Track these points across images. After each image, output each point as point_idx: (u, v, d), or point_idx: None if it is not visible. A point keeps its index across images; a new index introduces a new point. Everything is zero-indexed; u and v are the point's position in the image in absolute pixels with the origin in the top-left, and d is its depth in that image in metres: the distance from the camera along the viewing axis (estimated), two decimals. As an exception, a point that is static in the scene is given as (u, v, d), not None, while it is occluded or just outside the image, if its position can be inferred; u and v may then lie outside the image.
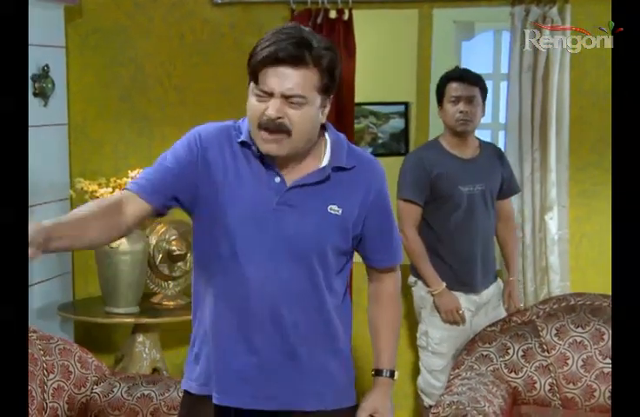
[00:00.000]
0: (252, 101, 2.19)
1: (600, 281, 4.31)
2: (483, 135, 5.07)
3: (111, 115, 4.78)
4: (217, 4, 4.57)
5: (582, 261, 4.33)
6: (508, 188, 3.95)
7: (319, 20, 4.37)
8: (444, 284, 3.82)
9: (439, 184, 3.82)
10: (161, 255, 4.37)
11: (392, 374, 2.44)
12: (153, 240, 4.35)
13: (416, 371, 4.20)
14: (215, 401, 2.32)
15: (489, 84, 4.94)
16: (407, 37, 4.62)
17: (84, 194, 4.27)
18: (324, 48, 2.17)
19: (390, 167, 5.00)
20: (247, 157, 2.24)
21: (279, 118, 2.15)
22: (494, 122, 5.12)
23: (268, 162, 2.23)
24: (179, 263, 4.42)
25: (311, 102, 2.17)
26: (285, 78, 2.14)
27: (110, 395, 3.39)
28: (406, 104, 5.20)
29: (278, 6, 4.50)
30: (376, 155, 5.03)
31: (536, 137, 4.21)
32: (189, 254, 4.42)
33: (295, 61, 2.13)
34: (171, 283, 4.47)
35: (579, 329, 3.74)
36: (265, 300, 2.23)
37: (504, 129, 4.37)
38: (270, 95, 2.15)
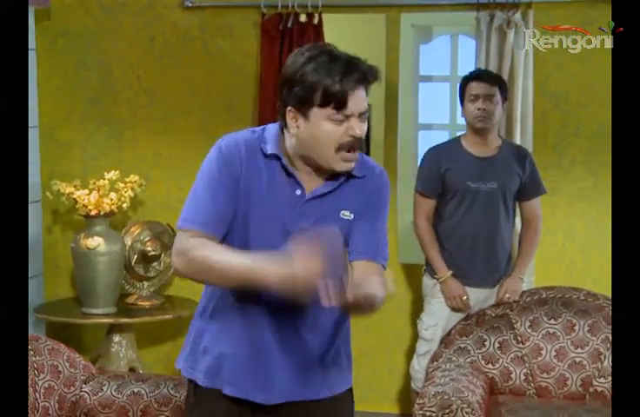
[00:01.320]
0: (328, 127, 2.21)
1: (563, 276, 4.51)
2: (442, 135, 5.22)
3: (81, 118, 4.81)
4: (188, 8, 4.64)
5: (545, 257, 4.48)
6: (529, 189, 4.03)
7: (289, 24, 4.46)
8: (450, 272, 3.96)
9: (448, 179, 3.97)
10: (136, 256, 4.42)
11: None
12: (128, 241, 4.39)
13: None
14: (226, 392, 2.39)
15: (446, 86, 5.12)
16: (371, 41, 4.73)
17: (60, 196, 4.29)
18: (363, 62, 2.27)
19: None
20: (273, 169, 2.31)
21: (363, 134, 2.26)
22: (452, 123, 5.25)
23: (292, 174, 2.30)
24: (154, 264, 4.47)
25: None
26: (362, 98, 2.23)
27: (100, 394, 3.40)
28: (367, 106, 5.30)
29: (249, 10, 4.58)
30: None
31: (502, 137, 4.36)
32: (163, 255, 4.48)
33: (364, 82, 2.22)
34: (146, 283, 4.52)
35: (551, 321, 3.90)
36: (279, 303, 2.27)
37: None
38: (348, 117, 2.22)
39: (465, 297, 3.96)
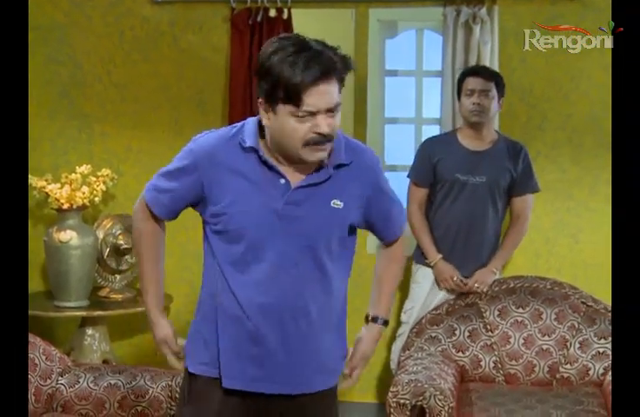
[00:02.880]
0: (292, 123, 2.20)
1: (528, 266, 4.59)
2: (407, 129, 5.29)
3: (51, 112, 4.80)
4: (157, 2, 4.66)
5: (512, 247, 4.57)
6: (519, 185, 4.10)
7: (259, 18, 4.50)
8: (440, 256, 4.06)
9: (438, 169, 4.09)
10: (108, 249, 4.43)
11: (386, 323, 2.64)
12: (100, 234, 4.41)
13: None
14: (224, 385, 2.41)
15: (411, 81, 5.18)
16: (340, 36, 4.77)
17: (32, 190, 4.30)
18: (335, 52, 2.23)
19: (319, 161, 5.19)
20: (253, 162, 2.33)
21: (331, 131, 2.23)
22: (417, 117, 5.32)
23: (272, 165, 2.32)
24: (126, 257, 4.49)
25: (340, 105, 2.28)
26: (326, 94, 2.18)
27: (77, 386, 3.44)
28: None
29: (218, 5, 4.61)
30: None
31: (469, 131, 4.44)
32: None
33: (329, 75, 2.19)
34: (118, 276, 4.54)
35: (520, 310, 3.99)
36: (279, 291, 2.35)
37: (439, 123, 4.59)
38: (314, 113, 2.19)
39: (456, 277, 4.04)
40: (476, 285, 4.01)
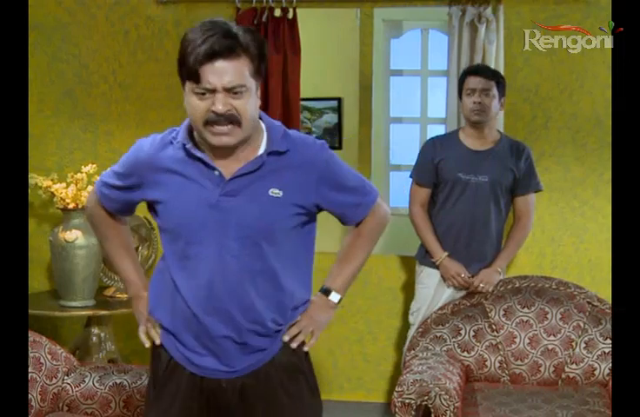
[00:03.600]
0: (194, 100, 2.23)
1: (533, 265, 4.61)
2: (412, 129, 5.30)
3: (55, 111, 4.81)
4: (162, 2, 4.66)
5: (515, 247, 4.58)
6: (522, 185, 4.11)
7: (264, 18, 4.50)
8: (446, 253, 4.06)
9: (440, 169, 4.09)
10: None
11: (336, 298, 2.57)
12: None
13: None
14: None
15: (416, 81, 5.19)
16: (345, 35, 4.78)
17: (37, 189, 4.31)
18: (248, 33, 2.24)
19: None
20: (186, 158, 2.34)
21: (228, 111, 2.23)
22: (422, 117, 5.33)
23: (201, 157, 2.32)
24: (131, 256, 4.49)
25: (250, 88, 2.26)
26: (224, 72, 2.19)
27: (82, 385, 3.44)
28: (339, 100, 5.36)
29: (223, 4, 4.62)
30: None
31: (474, 131, 4.44)
32: (140, 248, 4.51)
33: (228, 53, 2.20)
34: (123, 276, 4.54)
35: (525, 309, 3.99)
36: (222, 285, 2.35)
37: (444, 123, 4.59)
38: (213, 91, 2.20)
39: (463, 274, 4.04)
40: (481, 285, 4.01)
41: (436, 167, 4.10)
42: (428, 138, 4.32)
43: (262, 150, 2.34)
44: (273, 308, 2.41)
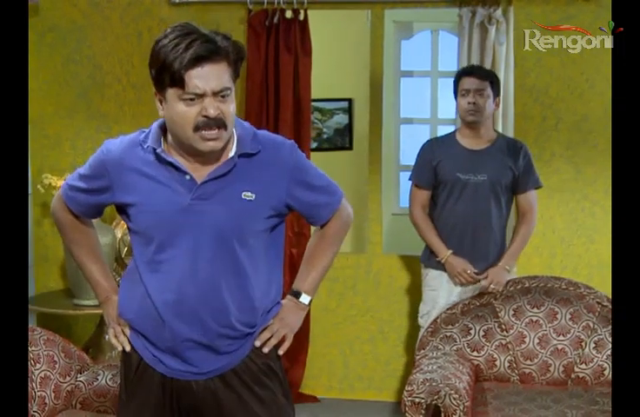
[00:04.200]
0: (180, 107, 2.20)
1: (543, 265, 4.62)
2: (422, 130, 5.32)
3: (70, 112, 4.85)
4: (174, 4, 4.70)
5: (527, 247, 4.56)
6: (521, 182, 4.12)
7: (275, 20, 4.53)
8: (450, 251, 4.08)
9: (439, 170, 4.11)
10: (126, 248, 4.47)
11: (306, 299, 2.54)
12: (118, 233, 4.45)
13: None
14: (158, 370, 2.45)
15: (426, 82, 5.22)
16: (356, 37, 4.81)
17: (52, 189, 4.35)
18: (225, 38, 2.24)
19: (335, 160, 5.23)
20: (155, 162, 2.32)
21: (218, 114, 2.22)
22: (432, 118, 5.35)
23: (173, 162, 2.31)
24: (140, 257, 4.53)
25: (232, 92, 2.27)
26: (211, 76, 2.18)
27: (95, 383, 3.48)
28: (350, 101, 5.39)
29: (235, 6, 4.65)
30: (321, 149, 5.25)
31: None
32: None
33: (213, 57, 2.18)
34: (136, 275, 4.58)
35: (534, 309, 4.00)
36: (194, 289, 2.34)
37: (454, 123, 4.61)
38: (201, 96, 2.19)
39: (469, 271, 4.06)
40: (492, 286, 4.02)
41: (435, 168, 4.13)
42: (426, 140, 4.33)
43: (232, 153, 2.33)
44: (244, 311, 2.41)
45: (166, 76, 2.18)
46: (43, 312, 4.54)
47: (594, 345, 3.92)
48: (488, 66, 4.42)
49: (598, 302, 3.98)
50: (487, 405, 3.64)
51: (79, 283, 4.32)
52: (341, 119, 5.45)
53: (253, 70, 4.58)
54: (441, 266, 4.13)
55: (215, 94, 2.20)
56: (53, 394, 3.38)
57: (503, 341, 3.97)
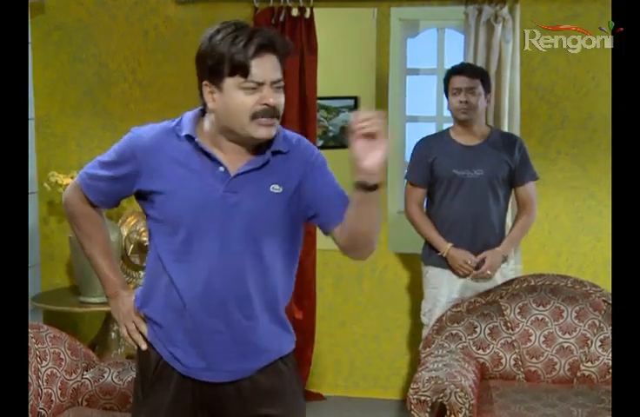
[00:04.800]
0: (239, 96, 2.26)
1: (549, 264, 4.62)
2: (428, 127, 5.31)
3: (76, 110, 4.86)
4: (180, 2, 4.70)
5: (532, 245, 4.60)
6: (518, 176, 4.13)
7: (281, 18, 4.53)
8: (450, 244, 4.07)
9: (435, 167, 4.12)
10: (132, 246, 4.49)
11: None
12: (124, 231, 4.47)
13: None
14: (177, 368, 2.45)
15: (432, 80, 5.21)
16: (362, 35, 4.81)
17: (58, 187, 4.36)
18: (275, 33, 2.33)
19: (340, 158, 5.18)
20: (190, 151, 2.36)
21: (276, 104, 2.29)
22: (438, 116, 5.34)
23: (210, 154, 2.35)
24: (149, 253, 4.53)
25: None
26: (271, 66, 2.28)
27: (101, 380, 3.48)
28: (355, 98, 5.39)
29: (241, 4, 4.64)
30: (327, 147, 5.25)
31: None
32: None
33: (272, 49, 2.28)
34: (142, 273, 4.58)
35: (540, 308, 4.00)
36: (220, 280, 2.35)
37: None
38: (260, 84, 2.26)
39: (470, 261, 4.06)
40: (488, 272, 4.03)
41: (431, 165, 4.13)
42: (419, 139, 4.33)
43: (265, 149, 2.38)
44: (267, 303, 2.43)
45: (226, 65, 2.25)
46: (49, 309, 4.56)
47: (600, 343, 3.92)
48: (494, 64, 4.43)
49: (604, 300, 3.98)
50: (492, 403, 3.64)
51: (85, 281, 4.34)
52: (347, 117, 5.44)
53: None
54: (441, 263, 4.12)
55: (272, 83, 2.28)
56: (59, 391, 3.40)
57: (509, 339, 3.97)
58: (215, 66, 2.27)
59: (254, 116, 2.27)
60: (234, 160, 2.36)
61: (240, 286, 2.37)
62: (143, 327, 2.49)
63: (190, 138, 2.35)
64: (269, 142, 2.38)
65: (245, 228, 2.35)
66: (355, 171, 2.23)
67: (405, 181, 4.26)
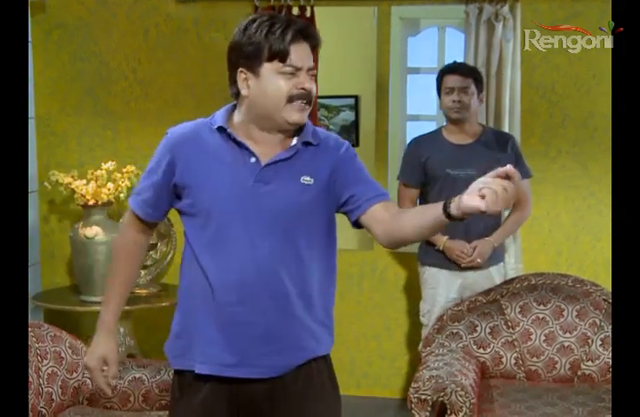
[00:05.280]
0: (278, 81, 2.32)
1: (550, 263, 4.62)
2: (429, 126, 5.30)
3: (76, 109, 4.86)
4: (181, 1, 4.70)
5: (533, 244, 4.60)
6: None
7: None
8: (446, 237, 4.06)
9: (428, 167, 4.11)
10: (133, 245, 4.48)
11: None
12: (125, 230, 4.46)
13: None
14: (197, 371, 2.42)
15: (433, 78, 5.19)
16: (363, 33, 4.81)
17: (58, 186, 4.36)
18: (310, 25, 2.42)
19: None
20: (223, 142, 2.40)
21: (311, 89, 2.35)
22: (439, 115, 5.33)
23: (243, 144, 2.38)
24: (150, 252, 4.54)
25: None
26: (308, 53, 2.35)
27: (102, 379, 3.49)
28: (356, 97, 5.39)
29: (242, 3, 4.65)
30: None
31: (490, 129, 4.46)
32: (159, 244, 4.56)
33: (310, 37, 2.35)
34: (143, 272, 4.59)
35: (541, 306, 4.00)
36: (254, 270, 2.36)
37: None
38: (298, 69, 2.33)
39: (466, 250, 4.04)
40: (478, 260, 4.02)
41: (424, 165, 4.12)
42: (411, 139, 4.33)
43: (295, 141, 2.41)
44: (303, 297, 2.43)
45: (265, 51, 2.30)
46: (49, 308, 4.56)
47: (600, 342, 3.92)
48: (495, 63, 4.43)
49: (604, 299, 3.98)
50: (493, 402, 3.65)
51: (86, 280, 4.34)
52: (347, 116, 5.44)
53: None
54: (438, 263, 4.12)
55: (308, 70, 2.34)
56: (60, 390, 3.40)
57: (510, 338, 3.97)
58: (253, 52, 2.31)
59: (290, 99, 2.33)
60: (265, 151, 2.39)
61: (274, 278, 2.37)
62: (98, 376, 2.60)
63: (222, 129, 2.39)
64: (299, 134, 2.41)
65: (276, 218, 2.36)
66: (459, 202, 2.37)
67: (398, 183, 4.25)
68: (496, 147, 4.11)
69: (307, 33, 2.34)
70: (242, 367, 2.41)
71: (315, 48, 2.39)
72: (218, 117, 2.42)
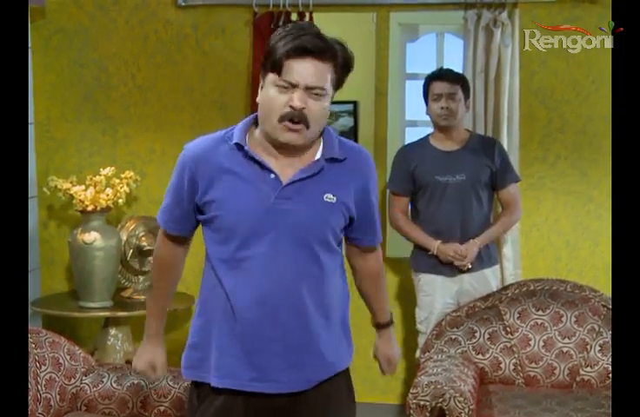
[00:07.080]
0: (272, 92, 2.28)
1: (548, 268, 4.61)
2: (428, 132, 5.31)
3: (75, 114, 4.86)
4: (180, 6, 4.70)
5: (532, 250, 4.60)
6: (500, 179, 4.13)
7: (281, 23, 4.51)
8: (439, 241, 4.06)
9: (417, 175, 4.12)
10: (131, 251, 4.48)
11: (390, 323, 2.77)
12: (124, 236, 4.46)
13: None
14: (213, 384, 2.42)
15: (432, 83, 5.20)
16: (362, 39, 4.80)
17: (57, 191, 4.36)
18: (340, 44, 2.31)
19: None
20: (241, 159, 2.36)
21: (302, 108, 2.26)
22: (437, 120, 5.34)
23: (259, 160, 2.34)
24: (149, 258, 4.53)
25: (327, 94, 2.31)
26: (310, 70, 2.26)
27: (100, 385, 3.48)
28: (355, 103, 5.39)
29: (240, 9, 4.64)
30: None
31: (489, 134, 4.46)
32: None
33: (319, 53, 2.26)
34: (141, 277, 4.59)
35: (539, 312, 4.00)
36: (274, 285, 2.35)
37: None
38: (294, 86, 2.26)
39: (459, 250, 4.03)
40: (464, 262, 4.03)
41: (413, 173, 4.13)
42: (399, 147, 4.35)
43: (319, 155, 2.36)
44: (323, 314, 2.43)
45: (269, 60, 2.28)
46: (48, 314, 4.55)
47: (599, 348, 3.92)
48: (493, 69, 4.43)
49: (603, 305, 3.98)
50: (492, 408, 3.64)
51: (84, 285, 4.34)
52: (346, 121, 5.43)
53: (258, 73, 4.52)
54: (433, 269, 4.11)
55: (307, 89, 2.26)
56: (58, 397, 3.40)
57: (508, 344, 3.97)
58: (264, 60, 2.32)
59: (281, 119, 2.28)
60: (285, 166, 2.35)
61: (295, 294, 2.36)
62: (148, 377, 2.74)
63: (239, 146, 2.35)
64: (324, 149, 2.37)
65: (297, 235, 2.35)
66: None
67: (388, 192, 4.25)
68: (482, 152, 4.12)
69: (314, 50, 2.25)
70: (262, 381, 2.39)
71: (339, 67, 2.30)
72: (236, 133, 2.38)
